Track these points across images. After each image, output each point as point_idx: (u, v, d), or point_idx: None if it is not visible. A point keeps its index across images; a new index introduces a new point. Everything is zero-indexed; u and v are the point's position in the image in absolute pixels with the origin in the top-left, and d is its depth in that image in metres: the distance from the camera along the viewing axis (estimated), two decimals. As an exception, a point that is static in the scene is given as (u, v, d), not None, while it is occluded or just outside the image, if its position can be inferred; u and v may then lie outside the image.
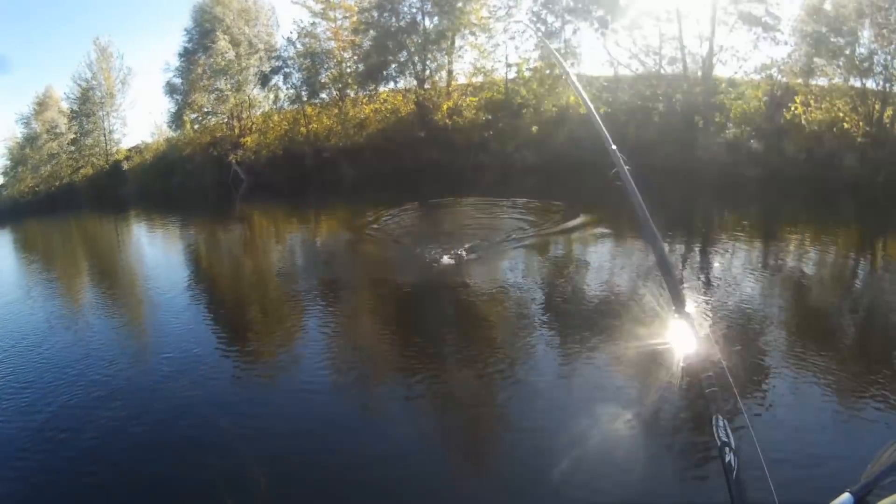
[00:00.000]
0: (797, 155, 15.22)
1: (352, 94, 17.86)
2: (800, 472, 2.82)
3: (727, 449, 1.08)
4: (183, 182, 19.57)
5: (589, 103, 1.57)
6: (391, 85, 17.57)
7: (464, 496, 2.95)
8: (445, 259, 6.87)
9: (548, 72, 16.05)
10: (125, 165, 23.15)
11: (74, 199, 23.26)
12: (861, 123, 14.67)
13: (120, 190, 22.21)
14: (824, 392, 3.72)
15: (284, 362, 4.79)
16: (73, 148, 26.04)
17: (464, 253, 6.99)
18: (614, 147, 1.56)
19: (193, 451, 3.39)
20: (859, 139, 14.55)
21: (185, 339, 5.31)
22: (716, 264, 7.00)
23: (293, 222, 12.99)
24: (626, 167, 1.46)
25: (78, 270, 10.22)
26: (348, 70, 17.80)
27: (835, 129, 15.12)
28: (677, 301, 1.27)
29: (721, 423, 1.11)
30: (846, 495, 1.17)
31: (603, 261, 7.58)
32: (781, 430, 3.26)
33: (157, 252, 11.31)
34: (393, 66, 17.00)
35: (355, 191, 15.01)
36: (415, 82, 16.90)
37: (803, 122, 15.63)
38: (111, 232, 15.81)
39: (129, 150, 24.48)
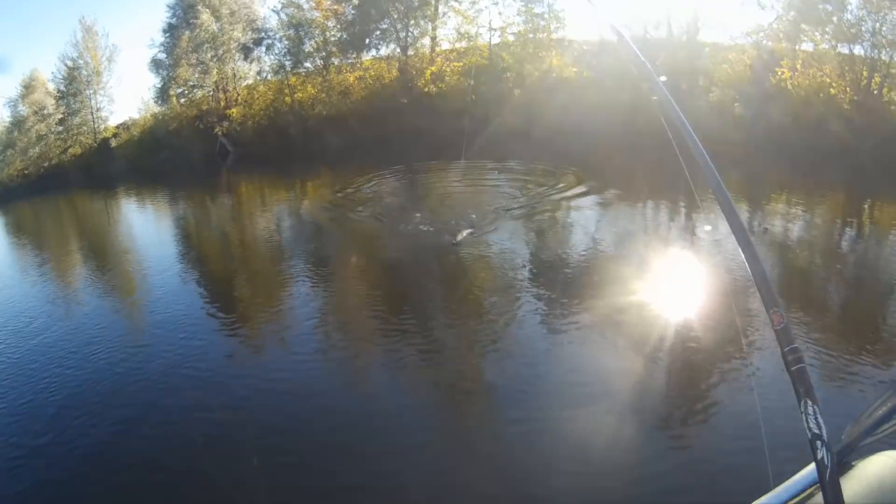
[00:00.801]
0: (783, 120, 15.27)
1: (336, 63, 17.82)
2: (781, 433, 2.86)
3: (819, 443, 0.94)
4: (171, 156, 19.58)
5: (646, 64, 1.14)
6: (374, 52, 17.54)
7: (451, 464, 2.94)
8: (447, 238, 6.50)
9: (531, 36, 16.05)
10: (113, 143, 23.16)
11: (64, 179, 23.22)
12: (848, 90, 14.69)
13: (109, 167, 22.20)
14: (807, 356, 3.65)
15: (274, 333, 4.81)
16: (60, 128, 25.94)
17: (464, 234, 6.55)
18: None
19: (185, 422, 3.43)
20: (846, 105, 14.59)
21: (175, 313, 5.35)
22: (703, 228, 6.81)
23: (279, 192, 13.12)
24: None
25: (68, 250, 10.32)
26: (332, 39, 17.73)
27: (821, 95, 15.15)
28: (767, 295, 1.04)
29: (811, 411, 0.94)
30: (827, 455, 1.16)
31: (601, 226, 7.51)
32: (763, 392, 3.28)
33: (146, 227, 11.43)
34: (376, 33, 16.94)
35: (340, 159, 15.09)
36: (398, 49, 16.86)
37: (789, 87, 15.68)
38: (101, 210, 15.89)
39: (117, 127, 24.44)
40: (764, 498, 1.07)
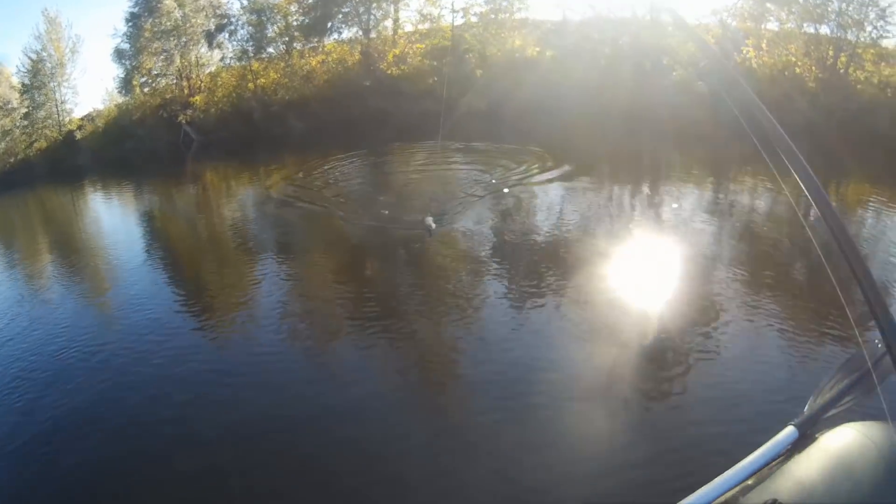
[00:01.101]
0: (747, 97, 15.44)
1: (298, 47, 17.65)
2: (746, 409, 2.89)
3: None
4: (136, 146, 19.34)
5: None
6: (336, 36, 17.41)
7: (425, 452, 2.92)
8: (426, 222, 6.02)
9: (493, 17, 16.04)
10: (78, 135, 22.74)
11: (31, 173, 22.74)
12: (814, 69, 14.90)
13: (75, 160, 21.84)
14: (771, 331, 3.75)
15: (238, 324, 4.75)
16: (26, 122, 25.38)
17: (431, 223, 6.01)
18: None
19: (149, 413, 3.39)
20: (811, 83, 14.79)
21: (142, 303, 5.32)
22: (670, 206, 6.85)
23: (242, 180, 12.98)
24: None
25: (36, 245, 10.21)
26: (295, 23, 17.55)
27: (787, 74, 15.34)
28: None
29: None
30: (790, 428, 1.19)
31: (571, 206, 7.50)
32: (730, 369, 3.32)
33: (113, 219, 11.35)
34: (338, 17, 16.80)
35: (303, 143, 15.02)
36: (360, 32, 16.75)
37: (754, 65, 15.83)
38: (68, 203, 15.67)
39: (82, 119, 23.98)
40: (729, 472, 1.07)
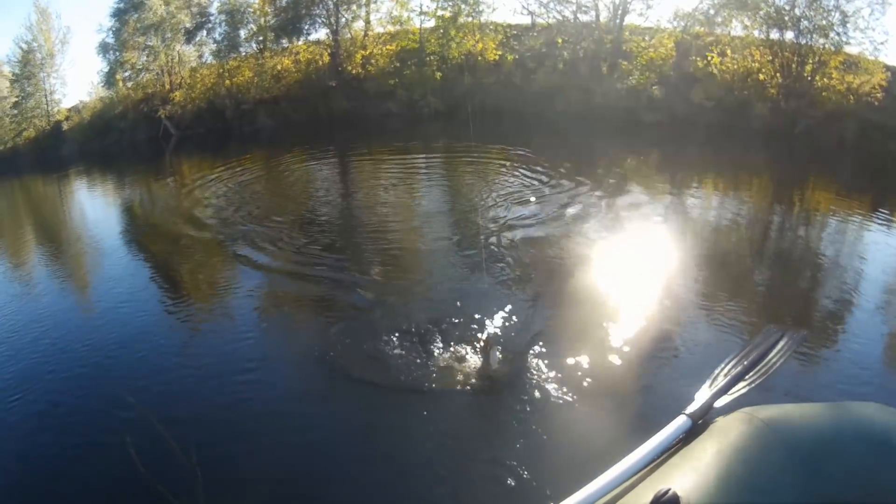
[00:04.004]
0: (704, 102, 15.90)
1: (271, 47, 18.34)
2: (639, 399, 2.98)
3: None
4: (118, 139, 20.14)
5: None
6: (306, 38, 18.09)
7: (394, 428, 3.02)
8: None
9: (455, 21, 16.69)
10: (65, 126, 23.45)
11: (18, 162, 23.40)
12: (778, 75, 15.05)
13: (60, 150, 22.55)
14: (682, 323, 3.83)
15: (213, 314, 4.80)
16: (15, 111, 26.07)
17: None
18: None
19: (122, 405, 3.37)
20: (772, 90, 14.90)
21: (121, 292, 5.42)
22: (624, 209, 6.76)
23: (215, 172, 13.37)
24: None
25: (23, 233, 10.48)
26: (267, 25, 18.22)
27: (749, 80, 15.39)
28: None
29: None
30: (682, 418, 1.17)
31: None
32: (624, 363, 3.38)
33: (95, 208, 11.83)
34: (308, 19, 17.48)
35: (272, 140, 15.79)
36: (329, 34, 17.44)
37: (715, 71, 16.23)
38: (54, 193, 16.24)
39: (69, 110, 24.68)
40: (620, 464, 1.07)
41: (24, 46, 25.36)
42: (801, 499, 0.95)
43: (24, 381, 3.90)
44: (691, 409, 1.21)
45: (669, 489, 0.91)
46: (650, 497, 0.92)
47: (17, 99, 25.85)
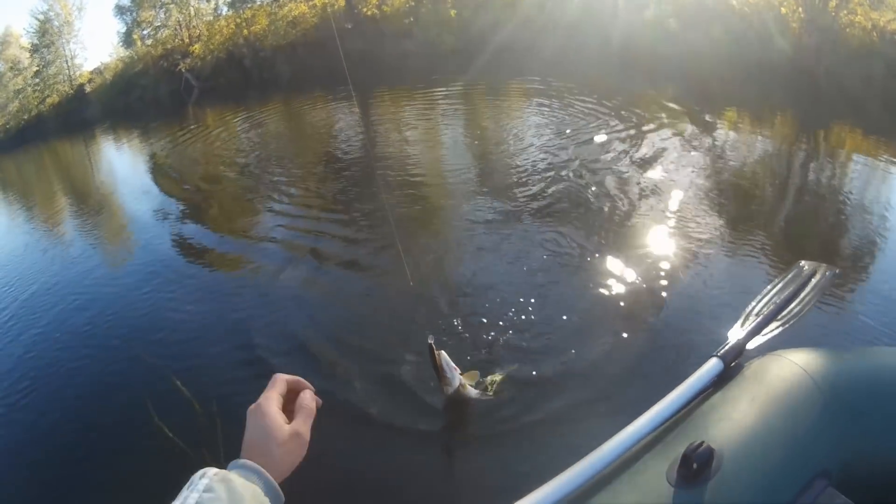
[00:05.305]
0: (724, 36, 15.58)
1: (287, -7, 18.41)
2: (666, 341, 2.79)
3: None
4: (141, 96, 20.52)
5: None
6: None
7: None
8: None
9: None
10: (87, 88, 23.99)
11: (44, 128, 24.03)
12: (800, 9, 14.41)
13: (85, 112, 23.11)
14: (720, 265, 3.58)
15: (239, 265, 4.55)
16: (37, 80, 26.73)
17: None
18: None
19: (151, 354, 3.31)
20: (794, 24, 14.59)
21: (145, 246, 5.37)
22: (645, 145, 6.41)
23: (238, 121, 13.56)
24: None
25: (55, 195, 10.55)
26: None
27: (771, 13, 15.20)
28: None
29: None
30: (714, 360, 1.14)
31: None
32: (648, 300, 3.16)
33: (124, 165, 12.05)
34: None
35: (291, 86, 15.99)
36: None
37: (735, 3, 15.81)
38: (81, 153, 16.64)
39: (91, 72, 25.20)
40: (653, 410, 1.05)
41: (41, 17, 25.92)
42: (842, 452, 0.91)
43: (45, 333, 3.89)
44: (723, 350, 1.16)
45: (703, 442, 0.87)
46: (682, 449, 0.88)
47: (38, 68, 26.50)
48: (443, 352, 2.13)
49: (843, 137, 7.34)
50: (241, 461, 0.68)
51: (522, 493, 0.97)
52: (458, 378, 2.16)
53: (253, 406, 0.74)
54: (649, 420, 1.03)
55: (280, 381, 0.77)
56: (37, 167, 16.57)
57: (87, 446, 2.76)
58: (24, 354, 3.70)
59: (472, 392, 2.26)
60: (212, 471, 0.64)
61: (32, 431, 2.96)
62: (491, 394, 2.35)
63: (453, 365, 2.15)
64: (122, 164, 12.21)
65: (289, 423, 0.73)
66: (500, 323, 3.03)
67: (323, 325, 3.33)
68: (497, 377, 2.43)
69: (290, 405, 0.77)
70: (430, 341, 2.11)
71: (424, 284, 3.51)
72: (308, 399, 0.77)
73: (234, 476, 0.64)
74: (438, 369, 2.11)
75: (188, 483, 0.63)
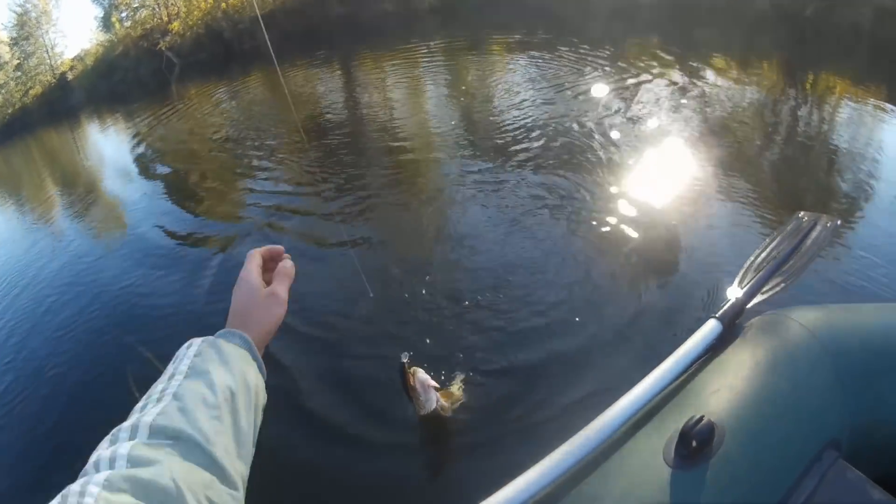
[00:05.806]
0: None
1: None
2: (669, 301, 2.65)
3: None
4: (123, 78, 20.46)
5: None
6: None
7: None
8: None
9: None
10: (70, 76, 23.87)
11: (30, 120, 23.84)
12: None
13: (69, 100, 23.01)
14: (711, 219, 3.42)
15: (224, 246, 4.47)
16: (19, 73, 26.53)
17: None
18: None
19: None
20: None
21: (133, 228, 5.40)
22: (635, 97, 6.34)
23: (219, 94, 13.52)
24: None
25: (42, 184, 10.55)
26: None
27: None
28: None
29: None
30: (712, 322, 1.09)
31: None
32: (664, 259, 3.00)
33: (109, 149, 11.83)
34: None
35: (272, 55, 15.88)
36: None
37: None
38: (68, 140, 16.51)
39: (73, 60, 25.05)
40: (652, 376, 0.99)
41: (19, 9, 25.69)
42: (853, 419, 0.84)
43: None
44: (721, 311, 1.10)
45: (703, 417, 0.80)
46: (680, 424, 0.81)
47: (18, 61, 26.32)
48: (418, 370, 1.87)
49: (832, 84, 7.22)
50: (225, 329, 0.70)
51: (507, 480, 0.91)
52: (436, 397, 1.87)
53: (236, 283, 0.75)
54: (643, 392, 0.97)
55: (255, 254, 0.78)
56: (25, 159, 16.41)
57: (76, 443, 2.68)
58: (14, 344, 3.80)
59: (450, 410, 2.01)
60: (198, 340, 0.67)
61: (27, 424, 3.00)
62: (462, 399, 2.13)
63: (430, 383, 1.87)
64: (107, 148, 12.12)
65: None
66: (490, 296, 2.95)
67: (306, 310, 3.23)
68: (458, 382, 2.23)
69: (269, 275, 0.78)
70: (403, 360, 1.79)
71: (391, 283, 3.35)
72: (289, 266, 0.78)
73: (221, 342, 0.67)
74: (411, 390, 1.81)
75: (174, 358, 0.65)
